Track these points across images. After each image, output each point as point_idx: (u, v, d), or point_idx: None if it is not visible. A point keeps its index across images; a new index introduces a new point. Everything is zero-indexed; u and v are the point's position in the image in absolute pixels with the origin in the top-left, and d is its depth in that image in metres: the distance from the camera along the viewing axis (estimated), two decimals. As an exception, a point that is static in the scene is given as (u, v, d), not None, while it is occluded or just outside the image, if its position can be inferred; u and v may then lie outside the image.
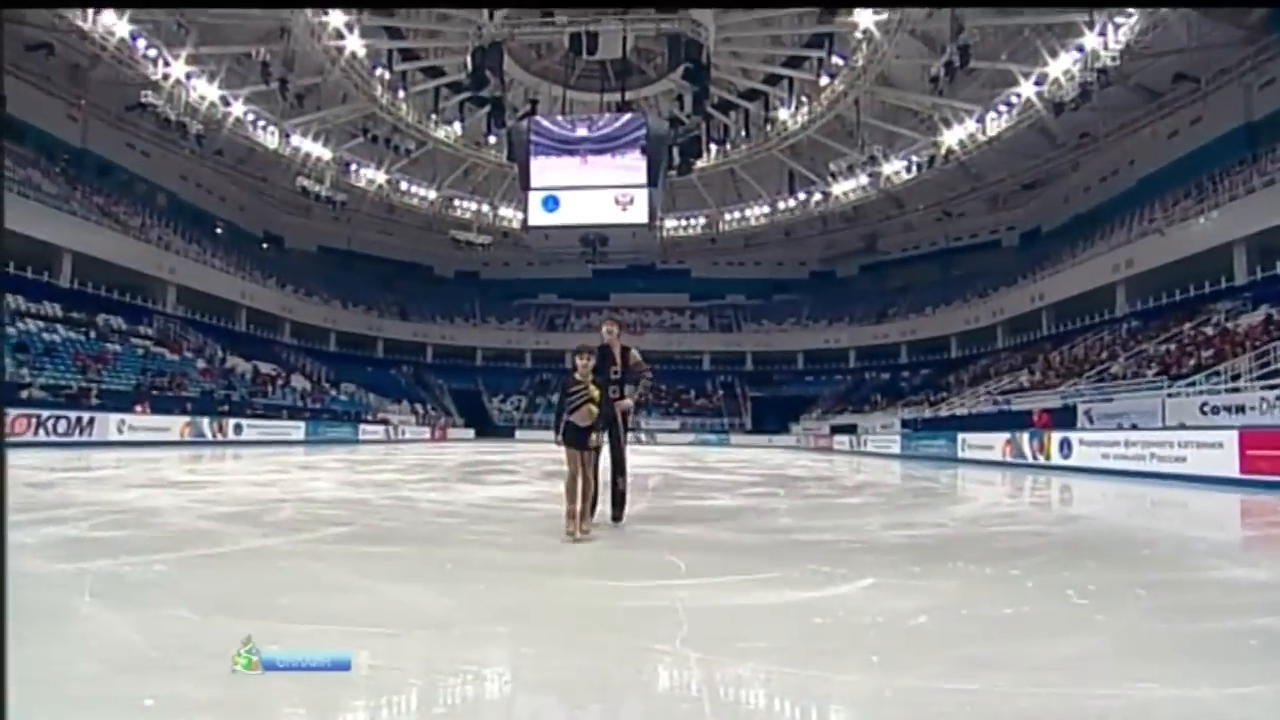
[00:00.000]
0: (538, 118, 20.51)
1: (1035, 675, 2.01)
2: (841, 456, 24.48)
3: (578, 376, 4.32)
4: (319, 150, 29.39)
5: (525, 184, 19.43)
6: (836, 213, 35.46)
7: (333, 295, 39.70)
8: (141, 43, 23.15)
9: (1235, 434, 10.51)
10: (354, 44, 23.98)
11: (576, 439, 4.26)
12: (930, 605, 2.76)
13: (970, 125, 26.34)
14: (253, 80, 25.80)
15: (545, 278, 45.51)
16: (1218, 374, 15.61)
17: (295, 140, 28.68)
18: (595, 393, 4.29)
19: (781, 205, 34.00)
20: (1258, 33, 21.24)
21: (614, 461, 4.97)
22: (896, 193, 32.35)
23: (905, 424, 26.92)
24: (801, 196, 33.02)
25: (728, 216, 36.14)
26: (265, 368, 30.15)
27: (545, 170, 19.08)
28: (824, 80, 24.98)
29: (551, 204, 19.30)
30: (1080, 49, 20.87)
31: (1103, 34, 19.92)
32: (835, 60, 23.94)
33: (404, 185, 33.39)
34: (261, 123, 27.69)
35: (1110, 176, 30.46)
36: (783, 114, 27.46)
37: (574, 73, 23.79)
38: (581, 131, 18.83)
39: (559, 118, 20.21)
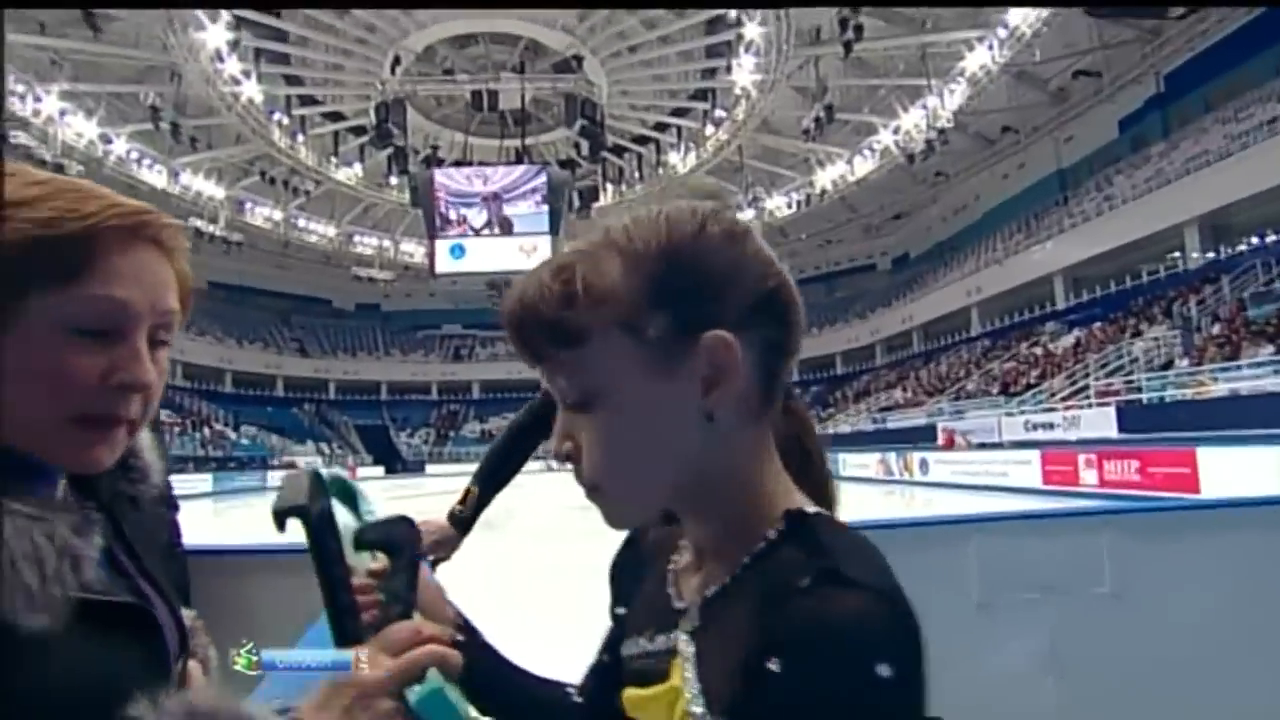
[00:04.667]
0: (441, 170, 21.46)
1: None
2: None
3: None
4: (211, 189, 28.82)
5: (432, 233, 20.33)
6: (728, 243, 37.94)
7: (226, 334, 38.46)
8: (10, 78, 22.24)
9: (1039, 453, 12.98)
10: (251, 90, 24.00)
11: None
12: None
13: (841, 167, 29.26)
14: (135, 118, 25.21)
15: (449, 308, 45.69)
16: (1042, 393, 18.57)
17: (185, 179, 28.04)
18: None
19: (677, 238, 36.14)
20: (1059, 98, 25.19)
21: None
22: (780, 225, 35.14)
23: (796, 442, 29.37)
24: (695, 230, 35.24)
25: (627, 249, 37.95)
26: (160, 416, 29.07)
27: (450, 221, 20.04)
28: (709, 129, 27.21)
29: (458, 252, 20.28)
30: (925, 106, 24.02)
31: (940, 97, 23.08)
32: (719, 112, 26.21)
33: (302, 222, 33.11)
34: (147, 161, 26.96)
35: (961, 210, 34.37)
36: (673, 157, 29.54)
37: (474, 121, 24.85)
38: (484, 185, 19.98)
39: (463, 170, 21.26)
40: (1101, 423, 13.57)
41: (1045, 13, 19.76)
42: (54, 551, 0.48)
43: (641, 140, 29.77)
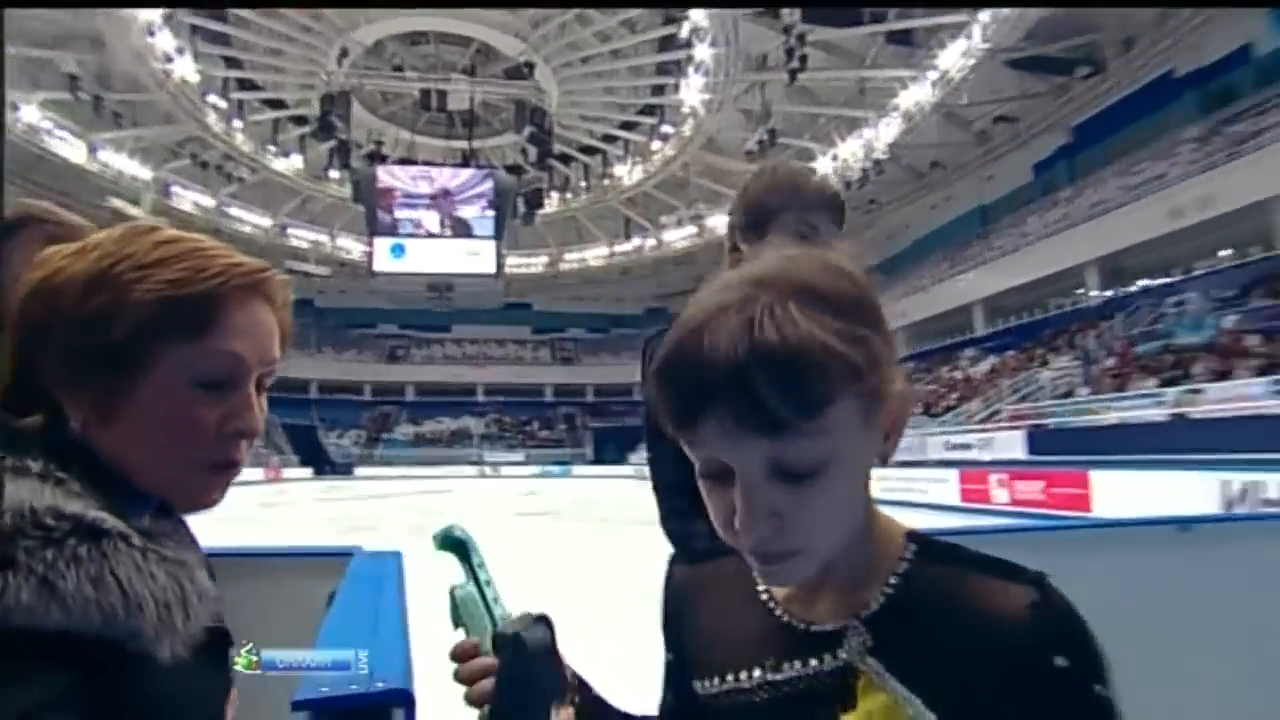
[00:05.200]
0: (384, 167, 21.15)
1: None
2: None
3: None
4: (135, 169, 27.29)
5: (372, 230, 19.98)
6: (668, 257, 38.60)
7: (142, 322, 36.35)
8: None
9: (957, 472, 13.83)
10: (185, 69, 22.98)
11: None
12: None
13: (781, 189, 30.24)
14: (48, 84, 23.73)
15: (385, 307, 44.53)
16: (961, 414, 19.72)
17: (105, 156, 26.49)
18: None
19: (618, 248, 36.53)
20: (982, 139, 26.93)
21: None
22: (721, 242, 35.95)
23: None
24: (636, 242, 35.74)
25: (568, 257, 38.12)
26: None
27: (392, 219, 19.76)
28: (656, 144, 27.73)
29: (398, 251, 20.03)
30: (862, 137, 25.25)
31: (876, 129, 24.33)
32: (666, 128, 26.76)
33: (234, 211, 31.73)
34: (61, 133, 25.35)
35: (893, 237, 35.99)
36: (619, 170, 29.91)
37: (421, 120, 24.55)
38: (430, 186, 19.81)
39: (407, 169, 21.00)
40: (1013, 445, 14.56)
41: (972, 59, 21.16)
42: (196, 594, 0.53)
43: (589, 150, 30.03)
